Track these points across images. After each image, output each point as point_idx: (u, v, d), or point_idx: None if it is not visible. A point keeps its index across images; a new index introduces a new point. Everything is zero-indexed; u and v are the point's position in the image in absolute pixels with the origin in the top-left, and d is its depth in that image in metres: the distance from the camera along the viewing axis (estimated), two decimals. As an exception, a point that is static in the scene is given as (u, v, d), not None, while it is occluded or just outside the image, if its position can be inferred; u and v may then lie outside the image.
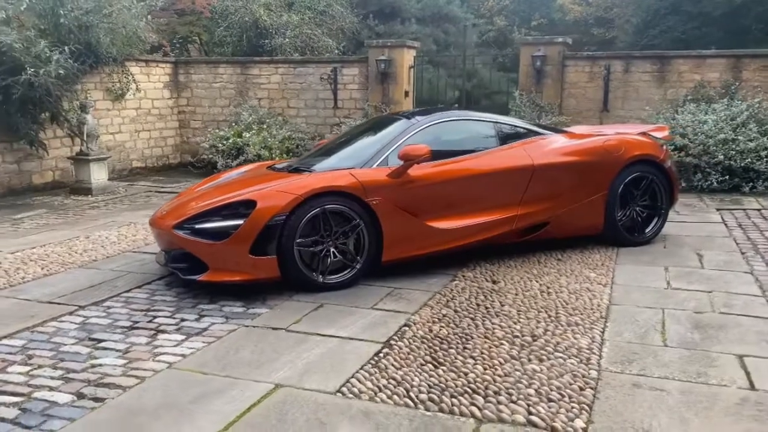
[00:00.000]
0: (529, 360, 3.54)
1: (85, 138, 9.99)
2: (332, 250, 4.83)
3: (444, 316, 4.28)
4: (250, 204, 4.68)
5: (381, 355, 3.66)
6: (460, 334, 3.94)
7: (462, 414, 2.98)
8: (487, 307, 4.42)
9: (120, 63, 11.20)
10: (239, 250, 4.61)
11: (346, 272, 4.89)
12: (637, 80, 9.98)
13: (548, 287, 4.84)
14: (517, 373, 3.37)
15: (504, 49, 22.40)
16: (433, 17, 18.59)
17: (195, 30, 17.19)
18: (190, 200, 5.28)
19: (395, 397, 3.15)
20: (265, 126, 11.35)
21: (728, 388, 3.18)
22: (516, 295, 4.68)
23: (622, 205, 5.93)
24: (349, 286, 4.89)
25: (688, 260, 5.48)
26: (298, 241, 4.68)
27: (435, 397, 3.13)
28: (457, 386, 3.24)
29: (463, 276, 5.18)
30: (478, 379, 3.31)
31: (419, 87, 15.20)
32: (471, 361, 3.54)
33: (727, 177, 8.72)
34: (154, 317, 4.45)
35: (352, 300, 4.63)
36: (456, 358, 3.58)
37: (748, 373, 3.32)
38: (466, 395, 3.14)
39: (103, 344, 3.98)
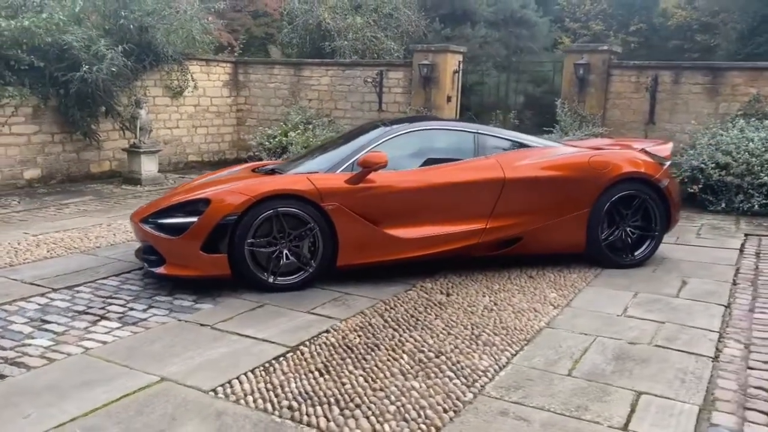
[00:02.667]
0: (416, 376, 3.49)
1: (137, 131, 10.63)
2: (285, 252, 4.93)
3: (370, 325, 4.28)
4: (205, 202, 4.87)
5: (280, 359, 3.73)
6: (370, 345, 3.93)
7: (308, 424, 3.00)
8: (418, 320, 4.38)
9: (179, 62, 11.81)
10: (192, 247, 4.80)
11: (298, 275, 4.98)
12: (687, 92, 9.40)
13: (496, 304, 4.72)
14: (394, 388, 3.34)
15: None
16: (506, 21, 18.23)
17: (270, 31, 17.80)
18: (169, 196, 5.55)
19: (260, 401, 3.22)
20: (311, 126, 11.62)
21: (599, 425, 3.01)
22: (457, 309, 4.60)
23: (610, 224, 5.66)
24: (300, 289, 4.97)
25: (667, 287, 5.15)
26: (249, 241, 4.82)
27: (295, 405, 3.16)
28: (325, 396, 3.26)
29: (422, 286, 5.14)
30: (350, 391, 3.31)
31: (484, 91, 15.03)
32: (358, 372, 3.54)
33: (771, 200, 8.07)
34: (110, 304, 4.73)
35: (295, 302, 4.71)
36: (345, 369, 3.58)
37: (632, 412, 3.13)
38: (326, 405, 3.16)
39: (46, 326, 4.28)
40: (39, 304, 4.71)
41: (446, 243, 5.26)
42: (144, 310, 4.61)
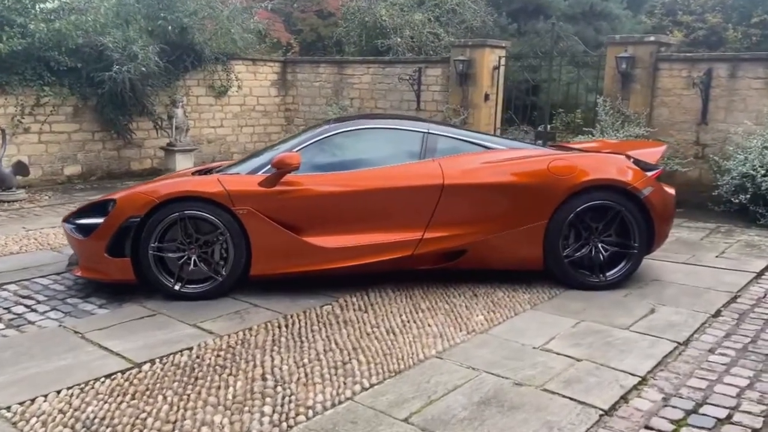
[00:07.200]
0: (227, 409, 3.06)
1: (173, 130, 10.80)
2: (194, 258, 4.64)
3: (243, 343, 3.89)
4: (113, 203, 4.67)
5: (112, 376, 3.43)
6: (218, 367, 3.55)
7: (58, 457, 2.67)
8: (300, 341, 3.93)
9: (222, 62, 11.89)
10: (97, 249, 4.63)
11: (208, 283, 4.67)
12: (746, 88, 8.15)
13: (405, 325, 4.18)
14: (189, 421, 2.94)
15: (715, 50, 19.97)
16: (584, 14, 17.03)
17: (337, 31, 17.68)
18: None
19: (38, 424, 2.94)
20: (347, 126, 11.32)
21: (380, 490, 2.45)
22: (356, 330, 4.11)
23: (578, 238, 4.91)
24: (210, 298, 4.66)
25: (625, 316, 4.35)
26: (153, 245, 4.57)
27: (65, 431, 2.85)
28: (108, 425, 2.92)
29: (344, 301, 4.67)
30: (139, 422, 2.95)
31: (552, 89, 14.04)
32: (174, 399, 3.17)
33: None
34: (18, 304, 4.64)
35: (191, 313, 4.40)
36: (164, 393, 3.22)
37: (436, 476, 2.54)
38: (96, 436, 2.81)
39: (-64, 325, 4.24)
40: (-45, 302, 4.71)
41: (375, 254, 4.75)
42: (43, 313, 4.48)
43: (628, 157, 5.09)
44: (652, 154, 5.21)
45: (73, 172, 10.52)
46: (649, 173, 5.00)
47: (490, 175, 4.81)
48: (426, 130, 5.10)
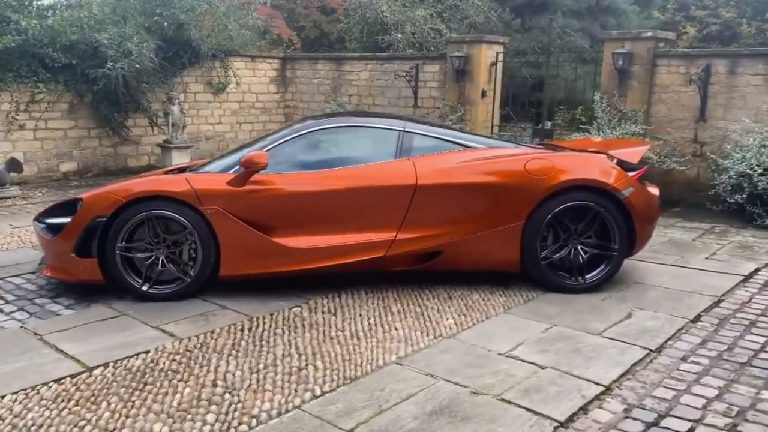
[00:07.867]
0: (172, 416, 2.98)
1: (170, 127, 10.75)
2: (162, 258, 4.56)
3: (201, 347, 3.80)
4: (80, 203, 4.61)
5: (61, 381, 3.36)
6: (170, 372, 3.46)
7: (-14, 466, 2.60)
8: (259, 345, 3.84)
9: (220, 59, 11.82)
10: (64, 248, 4.57)
11: (175, 284, 4.60)
12: (745, 84, 7.94)
13: (370, 329, 4.08)
14: (128, 431, 2.86)
15: (728, 45, 19.66)
16: (590, 10, 16.79)
17: (338, 27, 17.57)
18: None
19: (-26, 431, 2.87)
20: (344, 123, 11.21)
21: (308, 506, 2.35)
22: (319, 334, 4.01)
23: (556, 240, 4.78)
24: (178, 299, 4.59)
25: (599, 321, 4.21)
26: (119, 245, 4.50)
27: (1, 440, 2.78)
28: (47, 431, 2.85)
29: (315, 302, 4.57)
30: (76, 429, 2.87)
31: (557, 86, 13.87)
32: (118, 406, 3.08)
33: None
34: (-14, 305, 4.60)
35: (156, 314, 4.32)
36: (109, 399, 3.14)
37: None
38: (29, 445, 2.74)
39: None
40: (-76, 301, 4.67)
41: (347, 255, 4.64)
42: (9, 313, 4.43)
43: (610, 157, 4.95)
44: (634, 153, 5.05)
45: (69, 168, 10.51)
46: (632, 173, 4.85)
47: (466, 175, 4.69)
48: (402, 128, 4.98)
